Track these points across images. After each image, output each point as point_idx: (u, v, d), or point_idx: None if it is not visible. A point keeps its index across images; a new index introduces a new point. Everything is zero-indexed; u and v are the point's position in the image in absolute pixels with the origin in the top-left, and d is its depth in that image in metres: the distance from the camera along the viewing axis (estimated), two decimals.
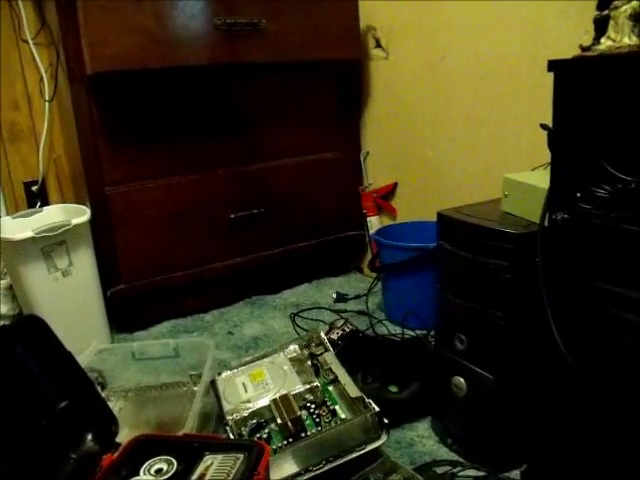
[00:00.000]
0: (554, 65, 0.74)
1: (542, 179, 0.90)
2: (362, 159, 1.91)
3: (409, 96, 1.70)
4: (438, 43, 1.57)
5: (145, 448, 0.82)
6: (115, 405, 1.19)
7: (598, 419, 0.77)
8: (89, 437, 0.87)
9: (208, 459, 0.79)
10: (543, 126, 0.99)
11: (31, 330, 0.84)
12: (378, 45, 1.77)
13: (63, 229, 1.37)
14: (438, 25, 1.56)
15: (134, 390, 1.23)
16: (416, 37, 1.64)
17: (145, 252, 1.58)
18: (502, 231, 0.88)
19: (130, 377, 1.29)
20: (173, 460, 0.79)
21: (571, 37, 1.19)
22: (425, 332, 1.41)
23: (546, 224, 0.82)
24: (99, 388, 1.19)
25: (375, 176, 1.90)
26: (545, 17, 1.28)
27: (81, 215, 1.43)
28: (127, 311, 1.61)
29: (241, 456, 0.78)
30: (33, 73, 1.76)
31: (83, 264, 1.45)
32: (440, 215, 1.00)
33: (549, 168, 0.99)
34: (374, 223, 1.88)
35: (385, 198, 1.86)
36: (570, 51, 0.78)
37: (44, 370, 0.84)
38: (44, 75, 1.74)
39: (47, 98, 1.75)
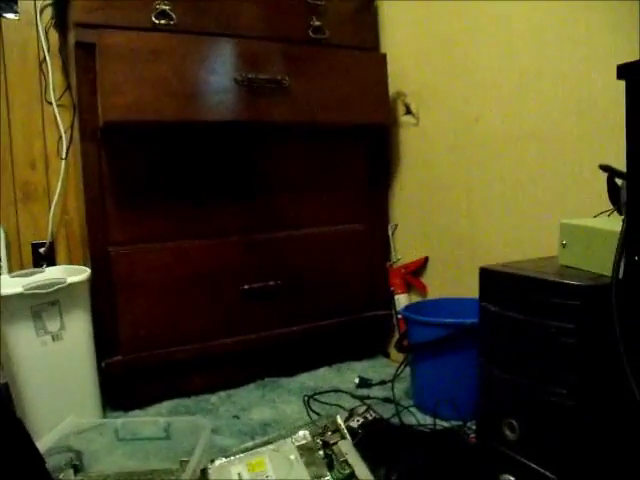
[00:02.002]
0: (625, 70, 0.60)
1: (609, 223, 0.74)
2: (390, 232, 1.78)
3: (441, 163, 1.59)
4: (471, 105, 1.47)
5: None
6: None
7: None
8: None
9: None
10: (604, 167, 0.84)
11: None
12: (408, 112, 1.68)
13: (56, 287, 1.23)
14: (471, 86, 1.47)
15: (113, 476, 1.04)
16: (448, 100, 1.54)
17: (148, 321, 1.43)
18: (565, 284, 0.70)
19: (115, 461, 1.10)
20: None
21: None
22: (461, 423, 1.20)
23: (621, 274, 0.65)
24: (72, 471, 1.01)
25: (404, 250, 1.75)
26: (590, 72, 1.16)
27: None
28: (123, 386, 1.44)
29: None
30: (53, 134, 1.72)
31: (77, 329, 1.30)
32: (483, 270, 0.83)
33: (613, 215, 0.84)
34: (402, 301, 1.70)
35: (415, 274, 1.70)
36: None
37: None
38: (63, 135, 1.69)
39: (63, 156, 1.69)
